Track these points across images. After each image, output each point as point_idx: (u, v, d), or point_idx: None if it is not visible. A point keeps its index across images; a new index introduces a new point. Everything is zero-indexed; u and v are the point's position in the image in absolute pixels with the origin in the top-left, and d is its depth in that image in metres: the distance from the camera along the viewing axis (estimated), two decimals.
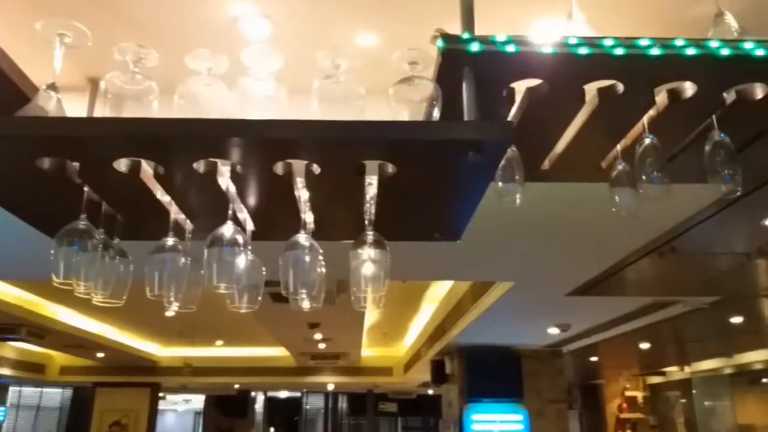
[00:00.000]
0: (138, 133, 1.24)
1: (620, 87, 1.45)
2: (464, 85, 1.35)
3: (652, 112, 1.57)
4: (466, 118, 1.31)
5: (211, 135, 1.23)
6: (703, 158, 1.56)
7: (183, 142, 1.25)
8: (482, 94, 1.37)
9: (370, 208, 1.51)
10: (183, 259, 1.55)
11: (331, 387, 13.14)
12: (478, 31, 1.41)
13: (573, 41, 1.34)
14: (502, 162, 1.54)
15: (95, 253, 1.45)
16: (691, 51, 1.36)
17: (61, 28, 1.38)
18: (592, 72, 1.41)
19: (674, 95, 1.50)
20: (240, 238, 1.47)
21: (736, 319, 5.36)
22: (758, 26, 1.53)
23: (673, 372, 9.99)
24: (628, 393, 10.47)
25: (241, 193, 1.51)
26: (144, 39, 1.41)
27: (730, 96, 1.52)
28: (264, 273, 1.70)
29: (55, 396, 14.09)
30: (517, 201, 1.61)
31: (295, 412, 15.99)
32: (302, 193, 1.54)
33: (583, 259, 3.30)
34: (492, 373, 6.47)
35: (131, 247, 1.66)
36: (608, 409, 10.59)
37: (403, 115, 1.34)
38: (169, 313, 7.35)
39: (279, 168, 1.33)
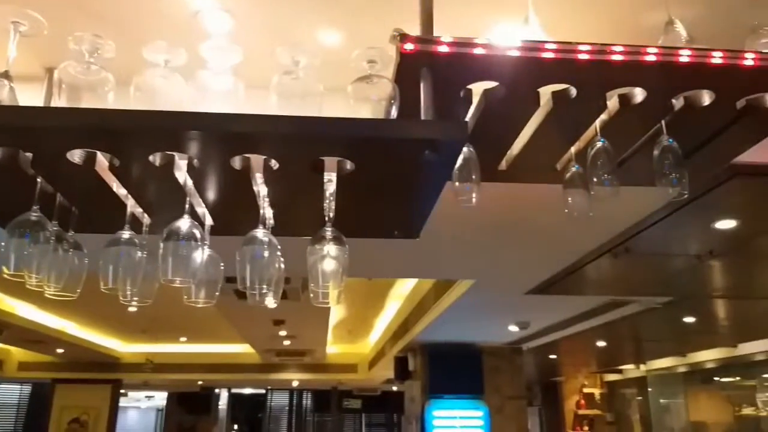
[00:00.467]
0: (93, 124, 1.23)
1: (573, 91, 1.50)
2: (422, 85, 1.37)
3: (604, 116, 1.63)
4: (423, 118, 1.33)
5: (167, 128, 1.23)
6: (653, 162, 1.62)
7: (139, 135, 1.24)
8: (440, 94, 1.40)
9: (329, 205, 1.53)
10: (139, 253, 1.53)
11: (295, 384, 13.10)
12: (437, 32, 1.44)
13: (529, 45, 1.38)
14: (460, 162, 1.57)
15: (48, 245, 1.43)
16: (641, 58, 1.41)
17: (15, 16, 1.36)
18: (547, 76, 1.45)
19: (625, 100, 1.56)
20: (197, 233, 1.47)
21: (689, 319, 5.54)
22: (706, 35, 1.60)
23: (630, 370, 10.26)
24: (586, 390, 10.71)
25: (199, 187, 1.51)
26: (103, 29, 1.40)
27: (678, 102, 1.59)
28: (222, 268, 1.70)
29: (12, 392, 13.70)
30: (474, 200, 1.64)
31: (260, 408, 15.89)
32: (261, 189, 1.54)
33: (541, 258, 3.37)
34: (454, 369, 6.56)
35: (87, 240, 1.64)
36: (567, 405, 10.81)
37: (362, 113, 1.35)
38: (132, 309, 7.17)
39: (237, 162, 1.34)
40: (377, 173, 1.44)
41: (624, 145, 1.75)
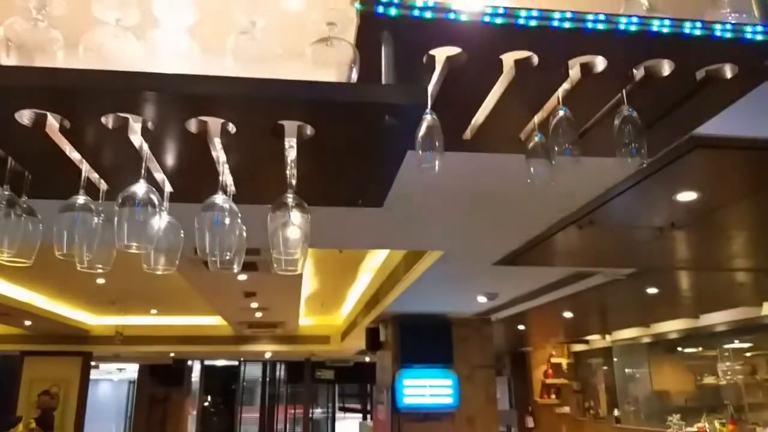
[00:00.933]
0: (42, 83, 1.19)
1: (535, 59, 1.50)
2: (383, 49, 1.35)
3: (566, 86, 1.63)
4: (384, 83, 1.32)
5: (120, 88, 1.19)
6: (613, 133, 1.64)
7: (91, 95, 1.21)
8: (402, 60, 1.39)
9: (291, 172, 1.51)
10: (95, 219, 1.50)
11: (268, 355, 13.15)
12: None
13: (489, 11, 1.37)
14: (423, 130, 1.56)
15: None
16: (601, 26, 1.41)
17: None
18: (508, 42, 1.44)
19: (586, 69, 1.56)
20: (154, 198, 1.44)
21: (652, 291, 5.68)
22: (666, 4, 1.60)
23: (596, 340, 10.53)
24: (553, 360, 11.00)
25: (156, 152, 1.48)
26: None
27: (639, 72, 1.60)
28: (182, 235, 1.68)
29: None
30: (436, 168, 1.64)
31: (233, 380, 15.94)
32: (220, 154, 1.52)
33: (507, 230, 3.41)
34: (424, 340, 6.66)
35: (43, 206, 1.60)
36: (535, 375, 11.10)
37: (321, 76, 1.33)
38: (100, 281, 7.04)
39: (192, 126, 1.31)
40: (338, 139, 1.42)
41: (586, 115, 1.76)
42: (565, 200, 2.92)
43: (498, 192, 2.76)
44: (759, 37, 1.42)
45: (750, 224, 3.56)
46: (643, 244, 3.81)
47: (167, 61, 1.34)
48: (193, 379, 15.52)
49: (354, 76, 1.34)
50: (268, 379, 16.11)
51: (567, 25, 1.39)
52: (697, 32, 1.40)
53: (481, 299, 5.71)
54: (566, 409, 10.82)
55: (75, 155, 1.45)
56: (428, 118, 1.56)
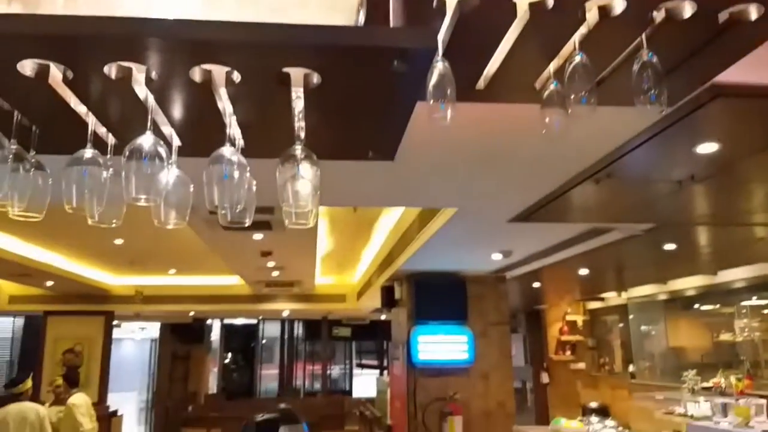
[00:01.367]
0: (41, 31, 1.16)
1: (550, 1, 1.44)
2: None
3: (583, 30, 1.57)
4: (392, 26, 1.28)
5: (120, 34, 1.17)
6: (632, 79, 1.58)
7: (91, 43, 1.18)
8: (412, 3, 1.34)
9: (298, 123, 1.49)
10: (104, 173, 1.50)
11: (286, 314, 13.36)
12: None
13: None
14: (435, 78, 1.51)
15: (6, 164, 1.39)
16: None
17: None
18: None
19: (604, 12, 1.50)
20: (162, 151, 1.43)
21: (670, 246, 5.61)
22: None
23: (611, 298, 10.52)
24: (569, 317, 11.04)
25: (162, 104, 1.46)
26: None
27: (659, 14, 1.53)
28: (191, 189, 1.67)
29: (6, 325, 13.91)
30: (448, 119, 1.60)
31: (252, 338, 16.28)
32: (227, 106, 1.49)
33: (523, 185, 3.36)
34: (439, 297, 6.69)
35: (53, 162, 1.59)
36: (550, 332, 11.17)
37: (327, 21, 1.29)
38: (118, 241, 7.14)
39: (197, 74, 1.28)
40: (346, 87, 1.39)
41: (603, 61, 1.70)
42: (581, 153, 2.86)
43: (513, 145, 2.71)
44: None
45: None
46: (661, 199, 3.75)
47: (166, 5, 1.31)
48: (213, 338, 15.88)
49: (361, 20, 1.30)
50: (286, 337, 16.44)
51: None
52: None
53: (496, 257, 5.70)
54: (581, 365, 10.92)
55: (81, 108, 1.43)
56: (439, 66, 1.51)
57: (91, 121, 1.49)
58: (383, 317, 12.48)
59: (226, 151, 1.47)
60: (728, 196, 3.82)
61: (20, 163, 1.48)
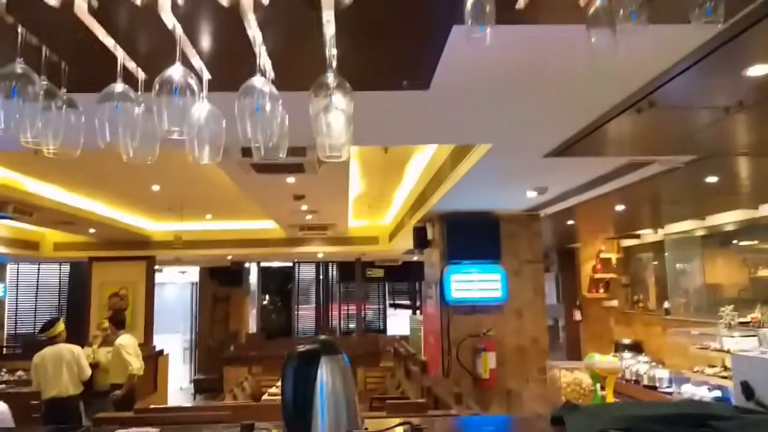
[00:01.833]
0: None
1: None
2: None
3: None
4: None
5: None
6: None
7: None
8: None
9: (330, 51, 1.43)
10: (135, 108, 1.48)
11: (320, 256, 13.58)
12: None
13: None
14: None
15: (37, 102, 1.37)
16: None
17: None
18: None
19: None
20: (192, 83, 1.40)
21: (711, 179, 5.42)
22: None
23: (647, 235, 10.34)
24: (602, 255, 10.93)
25: (190, 34, 1.42)
26: None
27: None
28: (224, 124, 1.64)
29: (53, 272, 14.51)
30: (488, 40, 1.51)
31: (289, 280, 16.67)
32: (256, 34, 1.44)
33: (559, 117, 3.24)
34: (471, 237, 6.67)
35: (84, 101, 1.58)
36: (583, 270, 11.11)
37: None
38: (155, 188, 7.27)
39: None
40: (378, 8, 1.32)
41: None
42: (624, 80, 2.73)
43: (553, 71, 2.58)
44: None
45: None
46: (704, 129, 3.59)
47: None
48: (251, 280, 16.31)
49: None
50: (321, 278, 16.81)
51: None
52: None
53: (531, 194, 5.60)
54: (614, 303, 10.89)
55: (108, 41, 1.40)
56: None
57: (120, 54, 1.46)
58: (415, 258, 12.58)
59: (257, 81, 1.43)
60: None
61: (51, 101, 1.46)
